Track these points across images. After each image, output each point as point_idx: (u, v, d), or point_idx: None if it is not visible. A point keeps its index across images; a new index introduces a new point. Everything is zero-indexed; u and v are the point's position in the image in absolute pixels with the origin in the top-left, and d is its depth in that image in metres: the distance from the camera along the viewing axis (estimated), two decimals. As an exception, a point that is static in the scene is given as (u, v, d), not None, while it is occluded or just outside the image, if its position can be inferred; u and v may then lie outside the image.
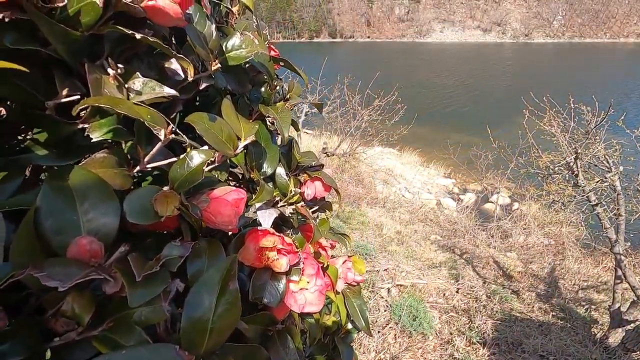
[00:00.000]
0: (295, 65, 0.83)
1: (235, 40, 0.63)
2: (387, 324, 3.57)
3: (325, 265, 0.82)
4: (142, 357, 0.31)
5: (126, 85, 0.42)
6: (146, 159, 0.44)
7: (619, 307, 3.55)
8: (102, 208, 0.36)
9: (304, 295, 0.60)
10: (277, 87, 0.78)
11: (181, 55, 0.45)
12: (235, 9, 0.77)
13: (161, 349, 0.32)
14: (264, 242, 0.53)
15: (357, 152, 6.51)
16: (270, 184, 0.72)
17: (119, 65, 0.41)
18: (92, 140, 0.39)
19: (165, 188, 0.41)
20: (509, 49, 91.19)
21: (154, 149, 0.43)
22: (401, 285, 4.57)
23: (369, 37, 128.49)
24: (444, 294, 4.61)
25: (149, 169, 0.45)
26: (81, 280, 0.29)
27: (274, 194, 0.72)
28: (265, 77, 0.73)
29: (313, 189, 0.83)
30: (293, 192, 0.70)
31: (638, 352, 3.20)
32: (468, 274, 5.29)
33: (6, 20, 0.30)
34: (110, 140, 0.43)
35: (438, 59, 66.07)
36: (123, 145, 0.45)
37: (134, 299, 0.32)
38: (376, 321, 3.60)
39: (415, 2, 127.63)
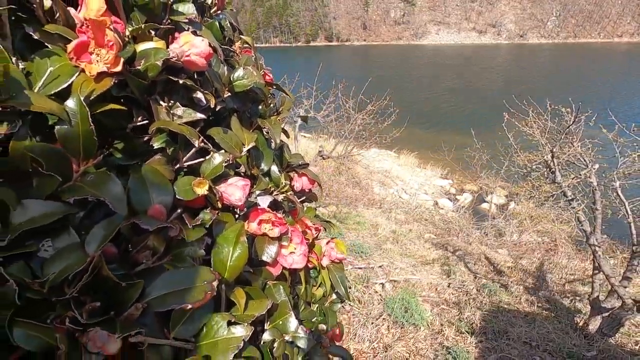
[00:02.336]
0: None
1: (239, 73, 0.87)
2: (381, 316, 3.79)
3: (311, 242, 1.05)
4: (192, 271, 0.54)
5: (172, 112, 0.65)
6: (184, 159, 0.67)
7: (598, 296, 3.78)
8: (162, 189, 0.59)
9: (292, 257, 0.84)
10: (271, 104, 1.02)
11: (206, 91, 0.68)
12: (237, 46, 1.01)
13: (202, 269, 0.55)
14: (262, 216, 0.77)
15: (353, 155, 6.74)
16: (267, 178, 0.96)
17: (170, 102, 0.64)
18: (154, 148, 0.62)
19: (198, 178, 0.64)
20: (504, 50, 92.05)
21: (190, 153, 0.67)
22: (395, 281, 4.79)
23: (365, 40, 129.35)
24: (436, 289, 4.83)
25: (185, 166, 0.69)
26: (159, 226, 0.52)
27: (269, 185, 0.95)
28: (262, 97, 0.96)
29: (301, 183, 1.06)
30: (284, 184, 0.94)
31: (614, 337, 3.43)
32: (460, 270, 5.52)
33: (115, 82, 0.53)
34: (162, 147, 0.66)
35: (434, 61, 66.67)
36: (168, 151, 0.68)
37: (189, 237, 0.55)
38: (370, 313, 3.82)
39: (410, 5, 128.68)
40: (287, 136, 1.18)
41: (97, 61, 0.52)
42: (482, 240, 7.79)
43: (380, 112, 6.24)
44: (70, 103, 0.48)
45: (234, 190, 0.67)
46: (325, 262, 1.14)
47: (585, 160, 3.69)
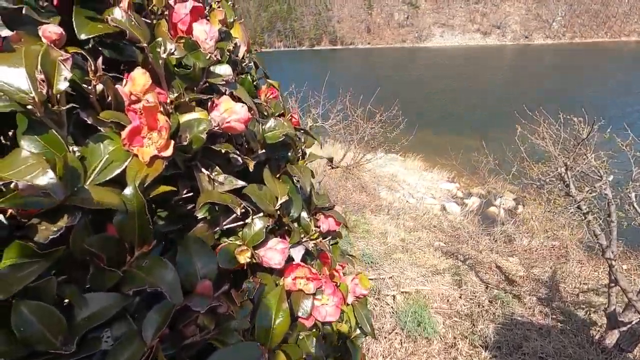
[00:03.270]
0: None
1: (271, 124, 0.88)
2: (393, 330, 3.77)
3: (338, 284, 1.05)
4: (240, 349, 0.54)
5: (213, 178, 0.66)
6: (224, 223, 0.68)
7: (614, 310, 3.72)
8: (207, 259, 0.60)
9: (325, 309, 0.84)
10: (298, 148, 1.02)
11: (245, 157, 0.69)
12: (264, 91, 1.02)
13: (250, 345, 0.56)
14: (297, 273, 0.77)
15: (362, 164, 6.74)
16: (296, 224, 0.96)
17: (211, 169, 0.65)
18: (198, 218, 0.63)
19: (240, 246, 0.65)
20: (509, 51, 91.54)
21: (230, 218, 0.68)
22: (406, 292, 4.76)
23: (369, 43, 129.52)
24: (448, 300, 4.80)
25: (224, 229, 0.70)
26: (210, 306, 0.53)
27: (300, 230, 0.96)
28: (291, 143, 0.97)
29: (327, 224, 1.07)
30: (314, 231, 0.94)
31: (632, 352, 3.37)
32: (471, 279, 5.47)
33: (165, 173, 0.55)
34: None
35: (439, 64, 66.52)
36: (209, 217, 0.69)
37: (238, 316, 0.56)
38: (383, 327, 3.80)
39: (414, 7, 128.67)
40: (313, 176, 1.18)
41: (149, 145, 0.53)
42: (492, 247, 7.72)
43: (388, 120, 6.24)
44: (127, 192, 0.49)
45: (274, 255, 0.68)
46: (350, 299, 1.14)
47: (599, 172, 3.65)
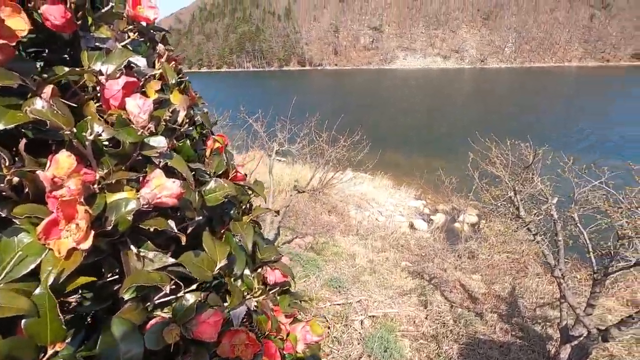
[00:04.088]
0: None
1: (212, 185, 0.90)
2: (360, 358, 3.75)
3: (285, 337, 1.06)
4: None
5: (143, 255, 0.66)
6: (155, 298, 0.68)
7: (566, 324, 3.93)
8: (132, 344, 0.60)
9: (266, 371, 0.84)
10: (242, 205, 1.04)
11: (179, 233, 0.70)
12: (209, 145, 1.04)
13: None
14: (235, 339, 0.77)
15: (328, 186, 6.82)
16: (240, 281, 0.97)
17: (140, 247, 0.65)
18: (125, 299, 0.63)
19: (169, 325, 0.65)
20: (467, 73, 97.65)
21: (161, 294, 0.68)
22: (373, 316, 4.79)
23: (336, 64, 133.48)
24: (414, 322, 4.86)
25: (156, 303, 0.69)
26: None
27: (243, 289, 0.96)
28: (234, 202, 0.98)
29: (274, 276, 1.08)
30: (257, 288, 0.95)
31: (583, 366, 3.56)
32: (436, 299, 5.60)
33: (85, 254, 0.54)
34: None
35: (403, 85, 69.59)
36: (139, 294, 0.68)
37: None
38: (350, 355, 3.78)
39: (378, 32, 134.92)
40: (260, 227, 1.20)
41: (67, 237, 0.53)
42: (456, 264, 7.96)
43: (354, 143, 6.39)
44: (38, 292, 0.48)
45: (207, 329, 0.68)
46: (300, 347, 1.14)
47: (545, 195, 3.93)
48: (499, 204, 3.85)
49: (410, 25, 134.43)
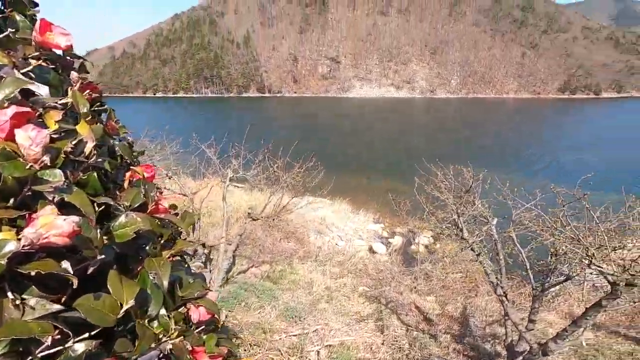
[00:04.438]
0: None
1: (121, 219, 0.84)
2: (315, 391, 3.61)
3: (209, 380, 0.98)
4: None
5: (24, 302, 0.59)
6: (37, 352, 0.61)
7: (511, 341, 4.10)
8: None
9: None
10: (160, 240, 0.99)
11: (71, 274, 0.64)
12: (127, 177, 0.99)
13: None
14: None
15: (283, 213, 6.75)
16: (156, 322, 0.90)
17: (20, 294, 0.59)
18: (-5, 356, 0.55)
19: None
20: (418, 103, 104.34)
21: (44, 345, 0.60)
22: (330, 345, 4.67)
23: (295, 92, 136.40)
24: (371, 348, 4.81)
25: (39, 357, 0.62)
26: None
27: (159, 331, 0.89)
28: (151, 237, 0.93)
29: (198, 314, 1.02)
30: (173, 330, 0.89)
31: (528, 381, 3.70)
32: (393, 323, 5.61)
33: None
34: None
35: (359, 113, 72.50)
36: (19, 346, 0.60)
37: None
38: (305, 390, 3.62)
39: (335, 62, 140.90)
40: (185, 262, 1.14)
41: None
42: (412, 287, 8.11)
43: (309, 170, 6.44)
44: None
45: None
46: (230, 390, 1.07)
47: (486, 217, 4.19)
48: (444, 227, 4.03)
49: (365, 57, 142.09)
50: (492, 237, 4.15)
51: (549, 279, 4.05)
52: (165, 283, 0.89)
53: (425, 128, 52.79)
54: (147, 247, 0.93)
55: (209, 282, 6.05)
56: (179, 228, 1.11)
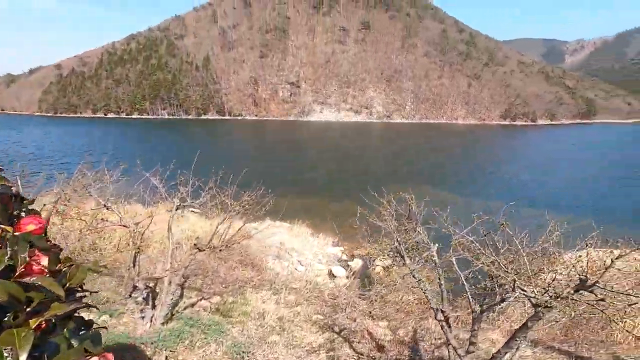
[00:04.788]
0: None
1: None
2: None
3: None
4: None
5: None
6: None
7: (455, 365, 4.19)
8: None
9: None
10: (26, 309, 0.91)
11: None
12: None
13: None
14: None
15: (237, 239, 6.55)
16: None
17: None
18: None
19: None
20: (375, 127, 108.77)
21: None
22: (278, 382, 4.48)
23: (256, 115, 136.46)
24: (322, 382, 4.68)
25: None
26: None
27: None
28: (14, 304, 0.85)
29: (73, 385, 0.93)
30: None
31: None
32: (345, 352, 5.54)
33: None
34: None
35: (319, 136, 73.88)
36: None
37: None
38: None
39: (296, 86, 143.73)
40: (66, 326, 1.05)
41: None
42: (367, 312, 8.11)
43: (258, 197, 6.36)
44: None
45: None
46: None
47: (428, 243, 4.35)
48: (387, 254, 4.12)
49: (324, 83, 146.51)
50: (434, 262, 4.30)
51: (486, 300, 4.25)
52: (23, 357, 0.81)
53: (383, 151, 54.85)
54: (6, 318, 0.85)
55: (151, 320, 5.63)
56: (54, 292, 1.02)
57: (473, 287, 4.45)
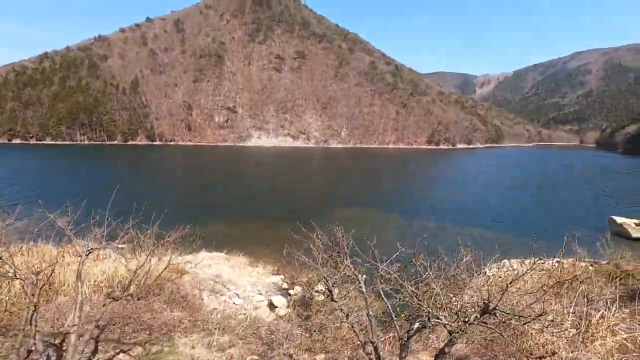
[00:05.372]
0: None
1: None
2: None
3: None
4: None
5: None
6: None
7: (386, 395, 4.26)
8: None
9: None
10: None
11: None
12: None
13: None
14: None
15: (160, 282, 6.05)
16: None
17: None
18: None
19: None
20: (313, 152, 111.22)
21: None
22: None
23: (190, 140, 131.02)
24: None
25: None
26: None
27: None
28: None
29: None
30: None
31: None
32: (279, 395, 5.29)
33: None
34: None
35: (257, 162, 73.17)
36: None
37: None
38: None
39: (233, 112, 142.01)
40: None
41: None
42: (305, 345, 7.93)
43: (184, 235, 6.01)
44: None
45: None
46: None
47: (355, 275, 4.47)
48: (315, 291, 4.14)
49: (261, 108, 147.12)
50: (362, 293, 4.41)
51: (412, 326, 4.45)
52: None
53: (321, 175, 56.04)
54: None
55: (53, 386, 4.82)
56: None
57: (402, 313, 4.65)
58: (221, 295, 12.80)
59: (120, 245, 5.88)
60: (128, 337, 7.63)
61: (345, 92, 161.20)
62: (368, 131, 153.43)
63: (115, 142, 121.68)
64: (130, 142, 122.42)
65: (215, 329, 8.85)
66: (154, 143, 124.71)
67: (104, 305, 5.11)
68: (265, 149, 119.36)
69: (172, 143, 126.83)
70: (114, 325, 7.99)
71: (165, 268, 6.80)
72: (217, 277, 14.23)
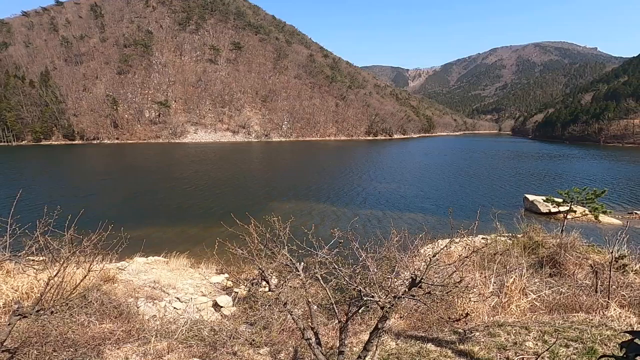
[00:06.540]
0: None
1: None
2: None
3: None
4: None
5: None
6: None
7: (328, 378, 4.35)
8: None
9: None
10: None
11: None
12: None
13: None
14: None
15: (70, 299, 5.44)
16: None
17: None
18: None
19: None
20: (254, 146, 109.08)
21: None
22: None
23: (117, 138, 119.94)
24: None
25: None
26: None
27: None
28: None
29: None
30: None
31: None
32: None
33: None
34: None
35: (196, 159, 69.54)
36: None
37: None
38: None
39: (165, 106, 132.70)
40: None
41: None
42: (249, 340, 7.79)
43: (106, 240, 5.48)
44: None
45: None
46: None
47: (293, 263, 4.47)
48: (253, 282, 4.06)
49: (197, 103, 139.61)
50: (302, 281, 4.43)
51: (349, 308, 4.58)
52: None
53: (262, 169, 55.18)
54: None
55: None
56: None
57: (342, 297, 4.76)
58: (160, 301, 12.03)
59: (34, 258, 5.17)
60: (48, 358, 6.80)
61: (285, 85, 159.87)
62: (309, 124, 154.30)
63: (24, 142, 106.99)
64: (43, 143, 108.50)
65: (152, 336, 8.30)
66: (74, 142, 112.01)
67: (9, 324, 4.47)
68: (204, 144, 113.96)
69: (96, 142, 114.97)
70: (29, 346, 7.05)
71: (85, 276, 6.13)
72: (155, 282, 13.35)
